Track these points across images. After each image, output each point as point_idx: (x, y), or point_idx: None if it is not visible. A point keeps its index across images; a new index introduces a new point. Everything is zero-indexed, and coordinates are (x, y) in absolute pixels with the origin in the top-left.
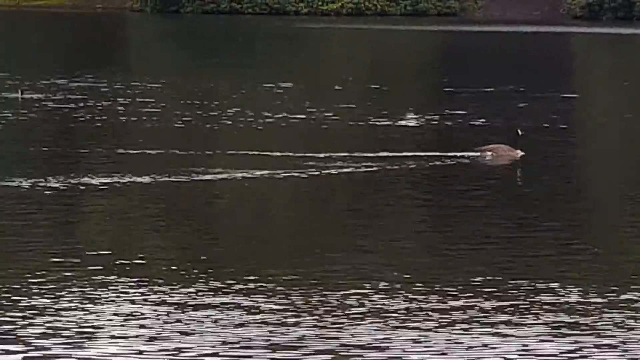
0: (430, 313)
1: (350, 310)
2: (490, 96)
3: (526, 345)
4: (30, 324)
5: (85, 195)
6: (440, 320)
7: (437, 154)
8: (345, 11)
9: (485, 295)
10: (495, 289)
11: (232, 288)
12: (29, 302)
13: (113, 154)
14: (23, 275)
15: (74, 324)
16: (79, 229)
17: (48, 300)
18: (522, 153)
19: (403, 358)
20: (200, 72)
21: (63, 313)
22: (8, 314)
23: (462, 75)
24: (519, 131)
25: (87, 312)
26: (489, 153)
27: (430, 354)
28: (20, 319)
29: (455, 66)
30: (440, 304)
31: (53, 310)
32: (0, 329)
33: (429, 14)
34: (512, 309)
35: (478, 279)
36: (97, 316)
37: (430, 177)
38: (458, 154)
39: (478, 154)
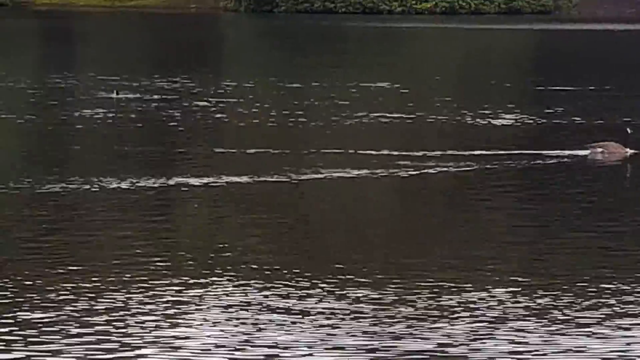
0: (524, 312)
1: (446, 307)
2: (589, 95)
3: (627, 349)
4: (124, 324)
5: (179, 194)
6: (536, 320)
7: (539, 152)
8: (439, 10)
9: (580, 295)
10: (590, 289)
11: (327, 287)
12: (126, 301)
13: (207, 154)
14: (118, 274)
15: (167, 323)
16: (174, 229)
17: (142, 299)
18: (633, 151)
19: (497, 358)
20: (294, 71)
21: (157, 312)
22: (102, 311)
23: (558, 73)
24: (629, 130)
25: (181, 312)
26: (600, 150)
27: (526, 354)
28: (117, 318)
29: (550, 65)
30: (536, 303)
31: (147, 309)
32: (94, 326)
33: (523, 12)
34: (611, 311)
35: (577, 280)
36: (191, 315)
37: (532, 175)
38: (565, 152)
39: (588, 151)
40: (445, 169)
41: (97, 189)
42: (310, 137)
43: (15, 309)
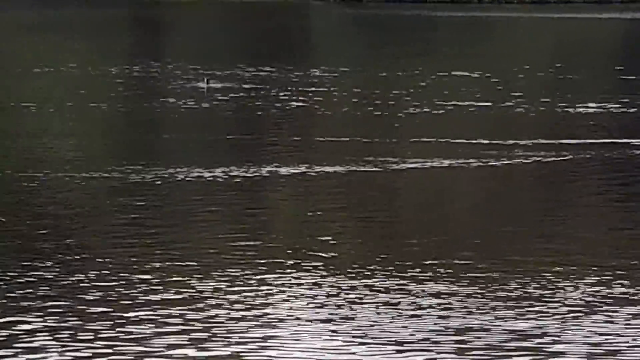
0: (621, 301)
1: (537, 296)
2: None
3: None
4: (215, 312)
5: (269, 184)
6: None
7: (630, 140)
8: None
9: None
10: None
11: (418, 277)
12: (216, 291)
13: (297, 143)
14: (208, 264)
15: (256, 311)
16: (264, 218)
17: (231, 287)
18: None
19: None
20: (382, 60)
21: (247, 302)
22: (193, 300)
23: None
24: None
25: (270, 300)
26: None
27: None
28: (207, 307)
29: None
30: (634, 290)
31: (235, 297)
32: (184, 314)
33: (613, 0)
34: None
35: None
36: (279, 303)
37: (624, 164)
38: None
39: None
40: (536, 158)
41: (188, 178)
42: (400, 126)
43: (111, 292)
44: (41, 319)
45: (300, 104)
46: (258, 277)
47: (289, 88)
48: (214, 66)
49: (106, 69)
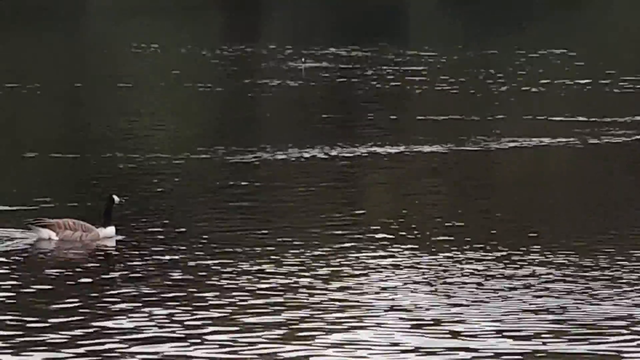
0: None
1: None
2: None
3: None
4: (311, 286)
5: (367, 163)
6: None
7: None
8: None
9: None
10: None
11: (514, 255)
12: (311, 263)
13: (394, 122)
14: (305, 244)
15: (354, 287)
16: (360, 198)
17: (329, 263)
18: None
19: None
20: (477, 39)
21: (346, 280)
22: (288, 277)
23: None
24: None
25: (367, 280)
26: None
27: None
28: (307, 286)
29: None
30: None
31: (334, 275)
32: (278, 289)
33: None
34: None
35: None
36: (376, 279)
37: None
38: None
39: None
40: (637, 136)
41: (286, 157)
42: (497, 104)
43: (216, 267)
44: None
45: (397, 83)
46: (355, 255)
47: (386, 67)
48: (311, 46)
49: (202, 50)
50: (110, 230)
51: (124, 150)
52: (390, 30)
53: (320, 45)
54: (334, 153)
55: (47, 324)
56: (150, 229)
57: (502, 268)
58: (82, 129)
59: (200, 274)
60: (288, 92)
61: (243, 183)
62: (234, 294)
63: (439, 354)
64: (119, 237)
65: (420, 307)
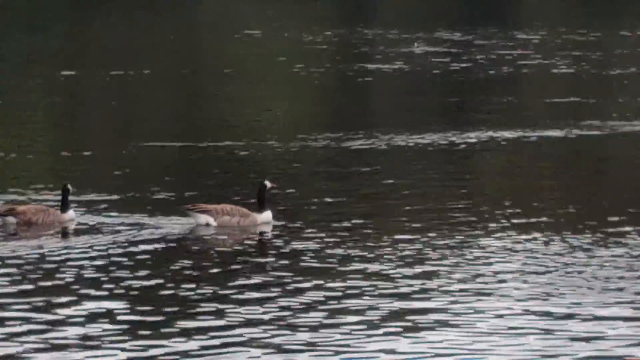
0: None
1: None
2: None
3: None
4: (422, 269)
5: (485, 148)
6: None
7: None
8: None
9: None
10: None
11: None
12: (423, 248)
13: (508, 106)
14: (429, 227)
15: (470, 271)
16: (480, 184)
17: (444, 246)
18: None
19: None
20: (585, 21)
21: (460, 268)
22: (404, 255)
23: None
24: None
25: (484, 258)
26: None
27: None
28: (410, 273)
29: None
30: None
31: (448, 265)
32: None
33: None
34: None
35: None
36: (496, 263)
37: None
38: None
39: None
40: None
41: (399, 142)
42: (614, 86)
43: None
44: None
45: (508, 66)
46: (467, 238)
47: (498, 50)
48: (423, 30)
49: (311, 34)
50: (267, 214)
51: (236, 138)
52: (502, 12)
53: (432, 30)
54: (452, 139)
55: (212, 308)
56: (300, 214)
57: (599, 247)
58: (196, 116)
59: (353, 259)
60: (401, 76)
61: (364, 169)
62: (374, 281)
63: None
64: (276, 222)
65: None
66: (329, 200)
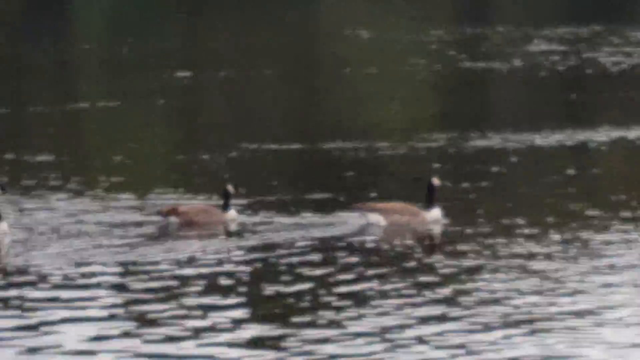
0: None
1: None
2: None
3: None
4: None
5: (607, 146)
6: None
7: None
8: None
9: None
10: None
11: None
12: (479, 253)
13: (630, 105)
14: (537, 222)
15: (531, 268)
16: (595, 184)
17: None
18: None
19: None
20: None
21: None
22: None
23: None
24: None
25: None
26: None
27: None
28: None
29: None
30: None
31: (538, 259)
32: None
33: None
34: None
35: None
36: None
37: None
38: None
39: None
40: None
41: (513, 142)
42: None
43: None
44: None
45: (628, 63)
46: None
47: (616, 48)
48: (541, 27)
49: (429, 32)
50: (436, 213)
51: (352, 138)
52: (619, 9)
53: (550, 26)
54: (578, 137)
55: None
56: (468, 213)
57: None
58: (313, 118)
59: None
60: (520, 75)
61: (493, 169)
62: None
63: None
64: (445, 221)
65: None
66: (488, 197)
